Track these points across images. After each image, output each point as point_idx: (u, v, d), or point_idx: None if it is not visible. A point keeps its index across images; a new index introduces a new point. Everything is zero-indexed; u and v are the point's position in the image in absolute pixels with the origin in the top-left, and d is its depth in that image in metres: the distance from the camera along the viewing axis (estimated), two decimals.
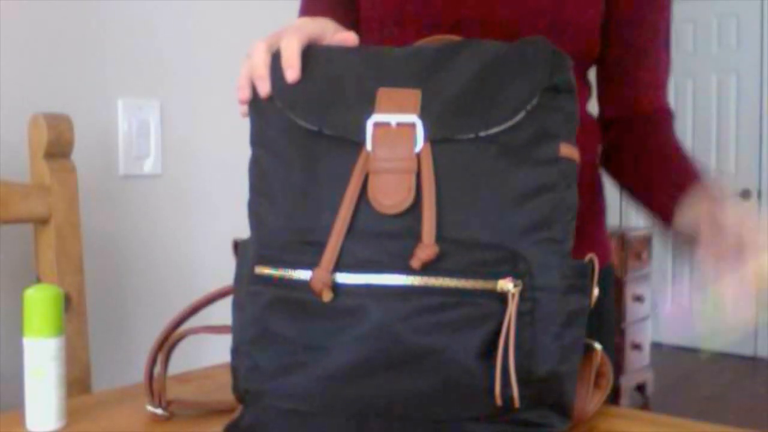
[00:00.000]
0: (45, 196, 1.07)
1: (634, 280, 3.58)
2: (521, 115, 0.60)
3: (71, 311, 1.09)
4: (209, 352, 1.52)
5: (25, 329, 0.70)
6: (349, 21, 0.95)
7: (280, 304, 0.60)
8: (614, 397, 0.94)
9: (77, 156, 1.26)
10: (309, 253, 0.59)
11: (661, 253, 4.87)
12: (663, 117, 0.93)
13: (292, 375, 0.60)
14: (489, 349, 0.57)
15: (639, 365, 3.64)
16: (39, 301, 0.70)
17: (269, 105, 0.65)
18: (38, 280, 1.10)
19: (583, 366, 0.68)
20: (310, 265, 0.58)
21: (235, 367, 0.64)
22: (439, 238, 0.57)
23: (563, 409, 0.62)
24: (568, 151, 0.63)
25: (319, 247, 0.58)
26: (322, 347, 0.58)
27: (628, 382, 3.54)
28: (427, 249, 0.56)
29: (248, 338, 0.62)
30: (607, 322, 0.96)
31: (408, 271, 0.57)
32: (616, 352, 3.52)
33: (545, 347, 0.59)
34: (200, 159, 1.51)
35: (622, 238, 3.52)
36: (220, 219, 1.55)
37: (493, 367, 0.57)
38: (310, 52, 0.66)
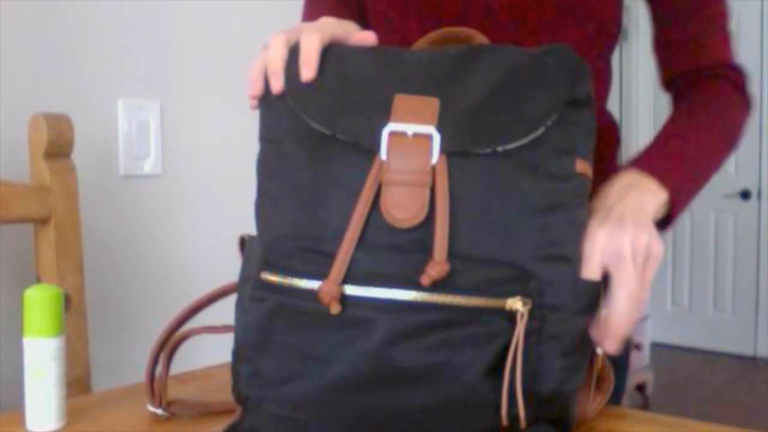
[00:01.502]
0: (45, 196, 1.07)
1: None
2: (541, 130, 0.59)
3: (71, 311, 1.09)
4: (209, 352, 1.52)
5: (25, 329, 0.70)
6: (354, 20, 0.94)
7: (285, 312, 0.59)
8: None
9: (77, 156, 1.26)
10: (316, 262, 0.58)
11: None
12: (706, 75, 0.86)
13: (293, 383, 0.59)
14: (495, 367, 0.56)
15: (639, 365, 3.65)
16: (39, 301, 0.69)
17: (281, 103, 0.63)
18: (38, 280, 1.10)
19: None
20: (317, 275, 0.57)
21: (235, 370, 0.63)
22: (451, 254, 0.56)
23: (564, 423, 0.62)
24: (584, 167, 0.62)
25: (327, 256, 0.57)
26: (325, 358, 0.58)
27: (628, 382, 3.54)
28: (437, 267, 0.55)
29: (250, 343, 0.61)
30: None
31: (417, 286, 0.56)
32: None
33: (550, 367, 0.58)
34: (200, 159, 1.51)
35: None
36: (220, 219, 1.55)
37: (498, 385, 0.56)
38: (328, 52, 0.64)
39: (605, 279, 0.64)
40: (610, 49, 0.90)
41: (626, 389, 3.87)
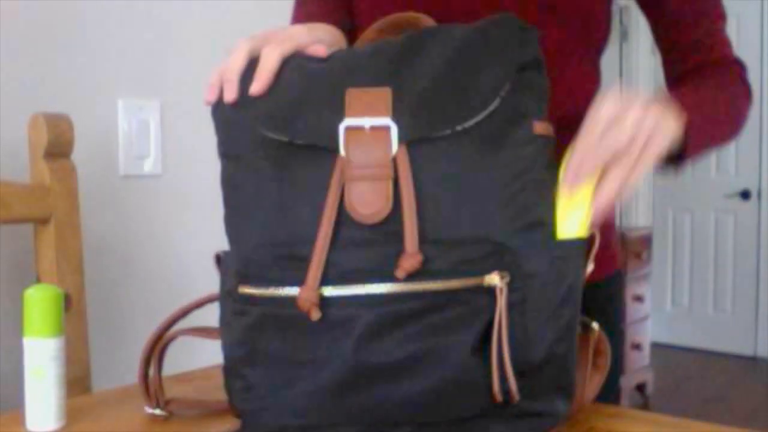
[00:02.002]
0: (45, 196, 1.07)
1: (634, 280, 3.58)
2: (496, 102, 0.59)
3: (71, 311, 1.09)
4: (208, 352, 1.52)
5: (25, 329, 0.70)
6: (340, 19, 0.94)
7: (268, 322, 0.59)
8: (614, 397, 0.93)
9: (77, 156, 1.26)
10: (293, 268, 0.58)
11: (661, 253, 4.87)
12: (712, 65, 0.88)
13: (287, 391, 0.59)
14: (483, 345, 0.57)
15: (639, 365, 3.64)
16: (39, 301, 0.69)
17: (235, 116, 0.64)
18: (38, 280, 1.10)
19: (580, 346, 0.67)
20: (296, 281, 0.57)
21: (228, 386, 0.63)
22: (423, 241, 0.56)
23: (565, 389, 0.62)
24: (543, 128, 0.62)
25: (303, 261, 0.57)
26: (315, 361, 0.58)
27: (628, 382, 3.54)
28: (410, 258, 0.55)
29: (238, 357, 0.61)
30: (615, 326, 0.95)
31: (393, 278, 0.56)
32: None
33: (540, 334, 0.59)
34: (200, 159, 1.51)
35: (622, 238, 3.52)
36: (220, 219, 1.55)
37: (488, 362, 0.57)
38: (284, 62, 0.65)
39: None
40: (597, 50, 0.90)
41: (626, 389, 3.86)
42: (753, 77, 3.84)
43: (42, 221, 1.08)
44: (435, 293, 0.56)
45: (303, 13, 0.96)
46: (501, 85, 0.59)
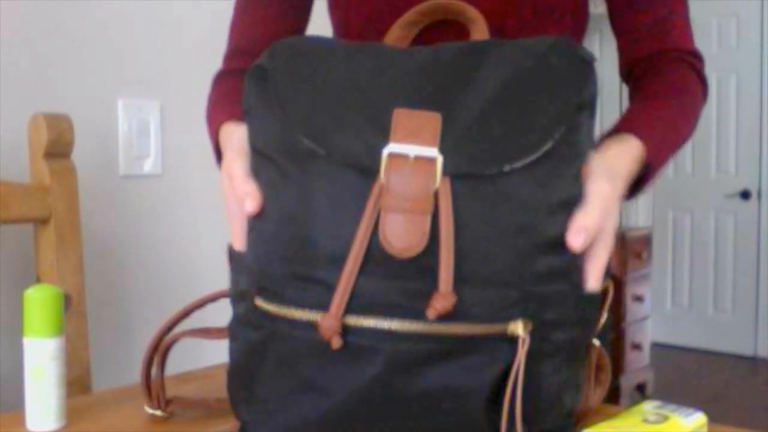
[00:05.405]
0: (45, 196, 1.07)
1: (634, 280, 3.58)
2: (548, 145, 0.56)
3: (71, 311, 1.09)
4: (209, 352, 1.52)
5: (25, 329, 0.70)
6: (297, 26, 0.91)
7: (280, 341, 0.57)
8: (614, 397, 0.93)
9: (77, 156, 1.26)
10: (312, 290, 0.55)
11: (661, 253, 4.87)
12: (670, 56, 0.85)
13: (289, 412, 0.57)
14: (498, 391, 0.55)
15: (639, 365, 3.64)
16: (39, 301, 0.69)
17: (270, 117, 0.59)
18: (38, 280, 1.10)
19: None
20: (314, 306, 0.55)
21: (232, 392, 0.62)
22: (454, 280, 0.53)
23: (564, 428, 0.61)
24: (584, 170, 0.59)
25: (322, 284, 0.54)
26: (323, 388, 0.56)
27: (628, 382, 3.54)
28: (443, 300, 0.52)
29: (245, 368, 0.60)
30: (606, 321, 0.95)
31: (419, 315, 0.53)
32: (616, 352, 3.53)
33: (551, 381, 0.57)
34: (200, 159, 1.51)
35: (622, 238, 3.52)
36: (220, 219, 1.55)
37: (499, 408, 0.55)
38: (305, 51, 0.61)
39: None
40: (581, 39, 0.90)
41: (626, 389, 3.83)
42: (753, 77, 3.84)
43: (42, 221, 1.08)
44: (457, 336, 0.54)
45: (247, 22, 0.90)
46: (557, 126, 0.56)
